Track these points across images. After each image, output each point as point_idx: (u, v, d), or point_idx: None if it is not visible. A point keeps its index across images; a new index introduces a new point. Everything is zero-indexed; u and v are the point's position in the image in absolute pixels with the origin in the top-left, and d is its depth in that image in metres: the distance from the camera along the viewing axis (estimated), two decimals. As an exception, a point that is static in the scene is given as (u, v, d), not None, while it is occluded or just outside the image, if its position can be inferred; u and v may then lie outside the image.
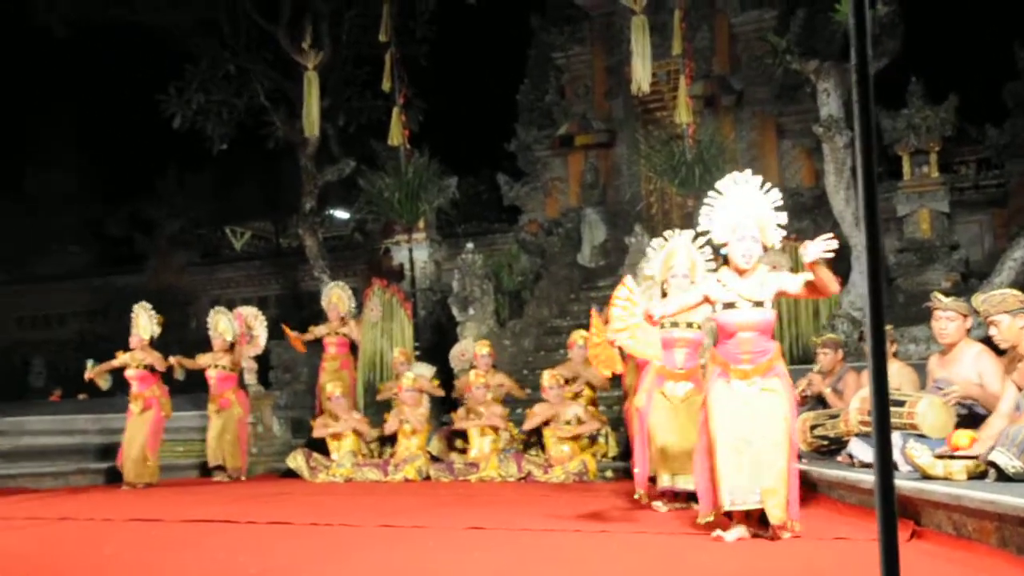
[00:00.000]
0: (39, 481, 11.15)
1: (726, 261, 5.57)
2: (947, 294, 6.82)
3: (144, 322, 11.19)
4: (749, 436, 5.34)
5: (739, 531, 5.38)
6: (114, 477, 11.24)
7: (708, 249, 6.83)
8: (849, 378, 8.49)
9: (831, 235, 5.13)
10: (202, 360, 11.64)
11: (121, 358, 11.21)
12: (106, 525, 7.37)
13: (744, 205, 5.47)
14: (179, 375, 11.70)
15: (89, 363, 11.51)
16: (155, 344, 11.34)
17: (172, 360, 11.48)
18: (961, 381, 6.33)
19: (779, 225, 5.48)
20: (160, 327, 11.28)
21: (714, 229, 5.57)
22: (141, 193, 23.98)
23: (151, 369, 11.05)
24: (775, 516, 5.28)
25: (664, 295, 6.94)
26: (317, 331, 12.73)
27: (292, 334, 12.62)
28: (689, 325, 7.11)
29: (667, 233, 7.27)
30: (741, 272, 5.44)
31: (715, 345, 5.69)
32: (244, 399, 11.79)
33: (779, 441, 5.36)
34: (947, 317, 6.48)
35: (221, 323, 11.79)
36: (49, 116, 26.02)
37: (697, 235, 6.93)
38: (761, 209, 5.47)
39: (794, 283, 5.44)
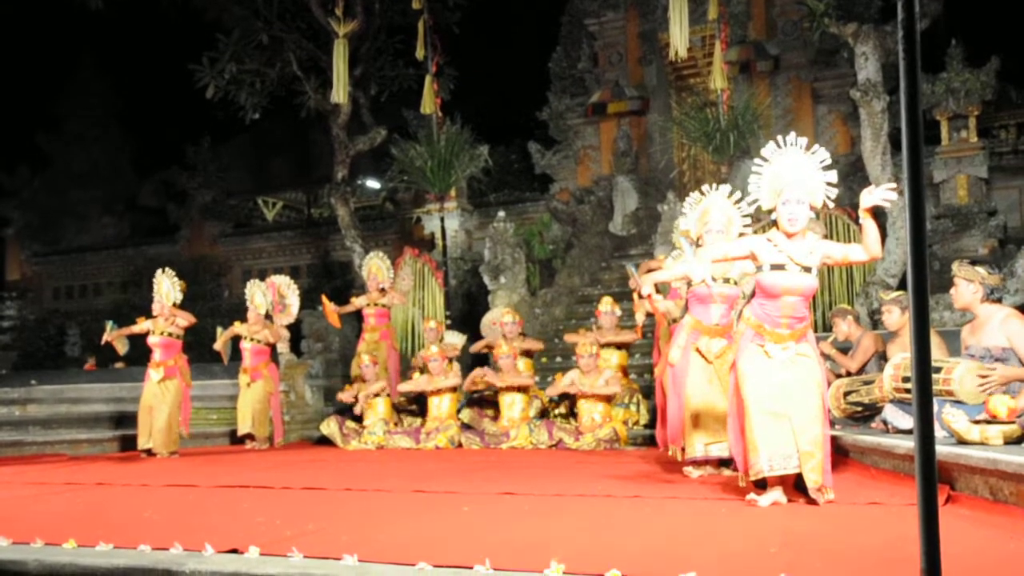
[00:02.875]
0: (76, 448, 11.23)
1: (774, 225, 5.53)
2: (984, 261, 6.75)
3: (167, 288, 10.95)
4: (786, 401, 5.33)
5: (774, 495, 5.35)
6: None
7: (744, 206, 6.76)
8: (865, 340, 8.42)
9: (895, 185, 5.08)
10: (238, 329, 11.67)
11: (143, 324, 10.99)
12: (143, 490, 7.44)
13: (789, 169, 5.45)
14: (225, 359, 11.74)
15: (109, 324, 11.22)
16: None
17: (218, 346, 11.57)
18: (1001, 369, 6.11)
19: (829, 184, 5.44)
20: (182, 293, 11.07)
21: (761, 196, 5.54)
22: (174, 164, 24.13)
23: (176, 337, 10.96)
24: (812, 480, 5.29)
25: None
26: (357, 302, 12.61)
27: (330, 307, 12.40)
28: (726, 280, 7.04)
29: (704, 188, 7.20)
30: (789, 235, 5.41)
31: (747, 305, 5.64)
32: (275, 372, 11.90)
33: (815, 406, 5.38)
34: (960, 281, 6.47)
35: (256, 296, 11.83)
36: (82, 89, 26.24)
37: (741, 198, 6.88)
38: (808, 172, 5.44)
39: (841, 251, 5.50)
